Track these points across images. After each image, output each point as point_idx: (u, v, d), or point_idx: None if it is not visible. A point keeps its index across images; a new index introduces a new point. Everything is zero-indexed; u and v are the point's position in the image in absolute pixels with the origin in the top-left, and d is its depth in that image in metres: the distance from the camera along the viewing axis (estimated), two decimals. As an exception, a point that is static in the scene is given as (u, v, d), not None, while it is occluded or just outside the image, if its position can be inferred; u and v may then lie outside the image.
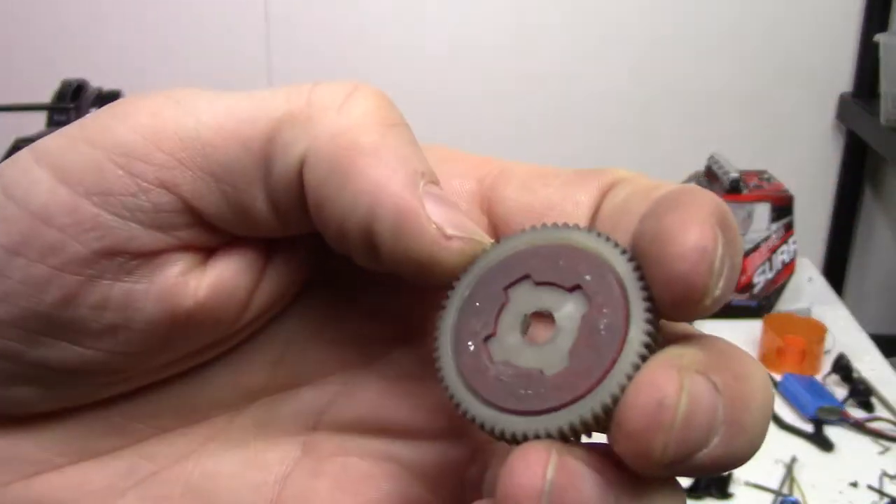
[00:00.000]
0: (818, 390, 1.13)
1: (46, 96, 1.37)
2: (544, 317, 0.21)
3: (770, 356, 1.23)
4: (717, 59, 1.97)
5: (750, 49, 1.96)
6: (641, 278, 0.20)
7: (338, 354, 0.26)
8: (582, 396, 0.19)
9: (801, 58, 1.95)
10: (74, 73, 1.41)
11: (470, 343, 0.21)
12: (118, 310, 0.22)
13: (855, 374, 1.17)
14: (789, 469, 1.00)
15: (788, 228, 1.34)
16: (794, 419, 1.11)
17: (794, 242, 1.35)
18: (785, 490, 0.96)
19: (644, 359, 0.19)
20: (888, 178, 2.04)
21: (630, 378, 0.19)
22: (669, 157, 1.96)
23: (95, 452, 0.24)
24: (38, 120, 1.34)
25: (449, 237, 0.21)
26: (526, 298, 0.21)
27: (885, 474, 1.00)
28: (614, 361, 0.19)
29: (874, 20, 1.88)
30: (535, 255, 0.21)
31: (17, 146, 1.20)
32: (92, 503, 0.24)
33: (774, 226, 1.34)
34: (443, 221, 0.22)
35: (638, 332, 0.19)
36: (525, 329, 0.21)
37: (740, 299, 1.36)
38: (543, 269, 0.21)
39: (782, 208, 1.34)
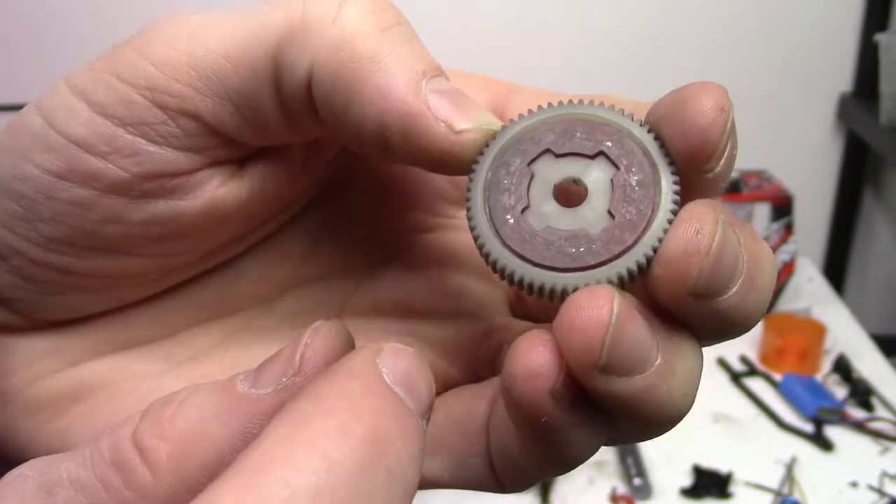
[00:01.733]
0: (818, 390, 1.13)
1: (46, 96, 1.37)
2: (573, 184, 0.22)
3: (770, 356, 1.23)
4: (716, 59, 1.97)
5: (750, 49, 1.96)
6: (657, 138, 0.22)
7: (362, 248, 0.28)
8: (632, 246, 0.21)
9: (801, 58, 1.95)
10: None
11: (509, 217, 0.21)
12: (165, 224, 0.24)
13: (855, 374, 1.17)
14: (789, 469, 1.00)
15: (788, 228, 1.34)
16: (794, 419, 1.11)
17: (794, 242, 1.35)
18: (785, 490, 0.96)
19: (679, 205, 0.21)
20: (888, 178, 2.04)
21: (671, 221, 0.21)
22: (669, 157, 1.96)
23: (137, 342, 0.27)
24: (39, 120, 1.34)
25: (458, 132, 0.23)
26: (551, 170, 0.22)
27: (885, 474, 1.00)
28: (653, 211, 0.21)
29: (874, 20, 1.88)
30: (550, 131, 0.22)
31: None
32: (134, 383, 0.26)
33: (774, 226, 1.34)
34: (450, 116, 0.23)
35: (668, 184, 0.21)
36: (557, 197, 0.22)
37: (740, 299, 1.36)
38: (562, 142, 0.22)
39: (782, 208, 1.34)
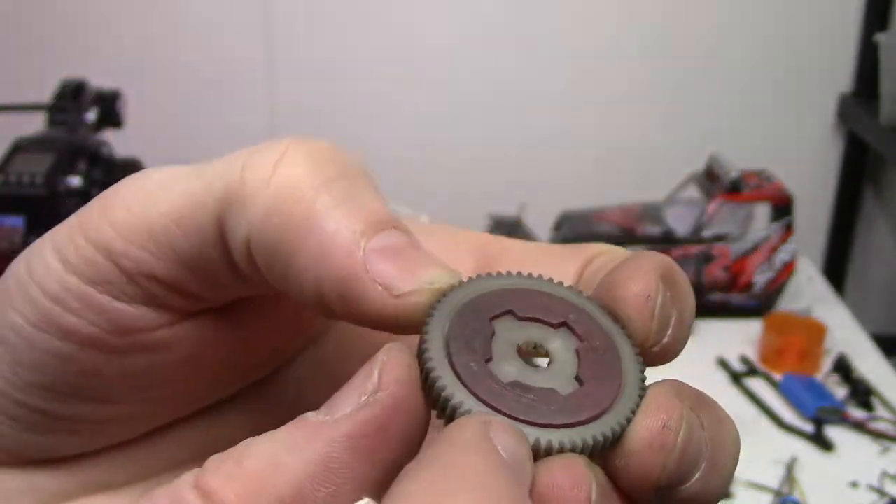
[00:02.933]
0: (818, 390, 1.13)
1: (46, 96, 1.37)
2: (534, 348, 0.22)
3: (770, 356, 1.23)
4: (717, 60, 1.97)
5: (750, 49, 1.96)
6: (617, 324, 0.22)
7: None
8: (606, 411, 0.21)
9: (801, 58, 1.95)
10: (74, 73, 1.41)
11: (473, 364, 0.21)
12: (145, 377, 0.24)
13: (855, 374, 1.17)
14: (789, 469, 1.00)
15: (788, 228, 1.34)
16: (794, 419, 1.11)
17: (794, 242, 1.35)
18: (785, 490, 0.96)
19: (644, 378, 0.22)
20: (888, 178, 2.04)
21: (641, 395, 0.21)
22: (670, 157, 1.96)
23: (112, 485, 0.26)
24: (38, 120, 1.34)
25: (398, 296, 0.21)
26: (512, 330, 0.22)
27: (885, 474, 1.00)
28: (621, 383, 0.21)
29: (874, 20, 1.88)
30: (513, 294, 0.22)
31: (18, 146, 1.20)
32: None
33: (774, 226, 1.34)
34: (391, 277, 0.22)
35: (631, 356, 0.22)
36: (524, 355, 0.22)
37: (740, 299, 1.36)
38: (525, 307, 0.22)
39: (782, 208, 1.34)
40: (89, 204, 0.25)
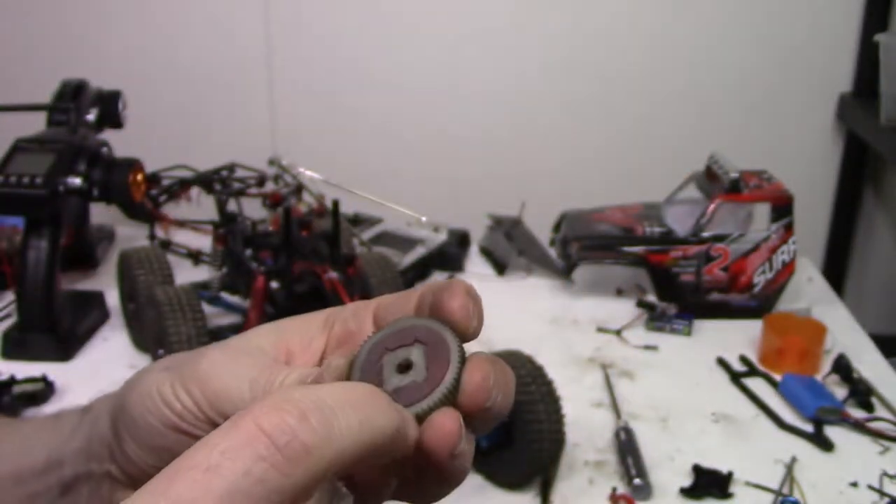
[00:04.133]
0: (818, 390, 1.13)
1: (46, 96, 1.37)
2: (404, 362, 0.36)
3: (770, 356, 1.23)
4: (717, 60, 1.97)
5: (750, 49, 1.96)
6: (444, 323, 0.37)
7: None
8: (442, 379, 0.35)
9: (801, 58, 1.95)
10: (74, 73, 1.41)
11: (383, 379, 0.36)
12: None
13: (855, 374, 1.17)
14: (789, 469, 1.00)
15: (788, 228, 1.34)
16: (794, 419, 1.11)
17: (794, 242, 1.35)
18: (785, 490, 0.96)
19: (464, 359, 0.37)
20: (888, 178, 2.04)
21: (460, 368, 0.36)
22: (670, 157, 1.96)
23: None
24: (39, 120, 1.34)
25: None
26: (390, 358, 0.36)
27: (885, 474, 1.00)
28: (450, 362, 0.36)
29: (874, 20, 1.88)
30: (384, 339, 0.37)
31: (18, 146, 1.20)
32: None
33: (774, 226, 1.34)
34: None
35: (456, 345, 0.36)
36: (399, 370, 0.36)
37: (740, 299, 1.36)
38: (391, 342, 0.37)
39: (782, 208, 1.34)
40: (198, 369, 0.37)
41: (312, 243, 1.15)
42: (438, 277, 1.50)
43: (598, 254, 1.40)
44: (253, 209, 1.36)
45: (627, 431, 1.04)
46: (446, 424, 0.34)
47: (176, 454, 0.30)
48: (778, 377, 1.19)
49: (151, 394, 0.36)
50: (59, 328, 1.22)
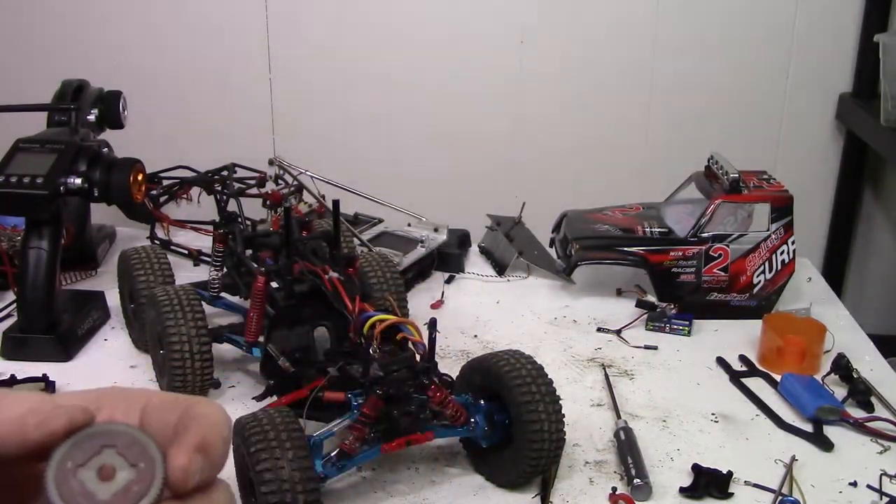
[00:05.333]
0: (818, 390, 1.13)
1: (46, 96, 1.37)
2: (110, 464, 0.34)
3: (770, 356, 1.23)
4: (717, 60, 1.97)
5: (750, 49, 1.96)
6: (144, 431, 0.36)
7: None
8: (152, 482, 0.34)
9: (801, 58, 1.95)
10: (75, 74, 1.41)
11: (75, 475, 0.34)
12: None
13: (854, 374, 1.17)
14: (789, 469, 1.00)
15: (788, 228, 1.34)
16: (794, 419, 1.11)
17: (794, 242, 1.35)
18: (785, 490, 0.97)
19: (166, 472, 0.35)
20: (888, 178, 2.04)
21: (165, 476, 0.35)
22: (670, 157, 1.96)
23: None
24: (39, 120, 1.34)
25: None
26: (102, 457, 0.34)
27: (884, 474, 1.00)
28: (145, 493, 0.34)
29: (874, 20, 1.88)
30: (79, 446, 0.35)
31: (18, 146, 1.20)
32: None
33: (774, 226, 1.34)
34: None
35: (157, 486, 0.34)
36: (96, 472, 0.34)
37: (740, 299, 1.36)
38: (88, 450, 0.35)
39: (782, 208, 1.34)
40: None
41: (312, 243, 1.15)
42: (438, 277, 1.50)
43: (598, 254, 1.40)
44: (253, 209, 1.36)
45: (627, 431, 1.04)
46: None
47: None
48: (778, 377, 1.19)
49: None
50: (59, 328, 1.22)
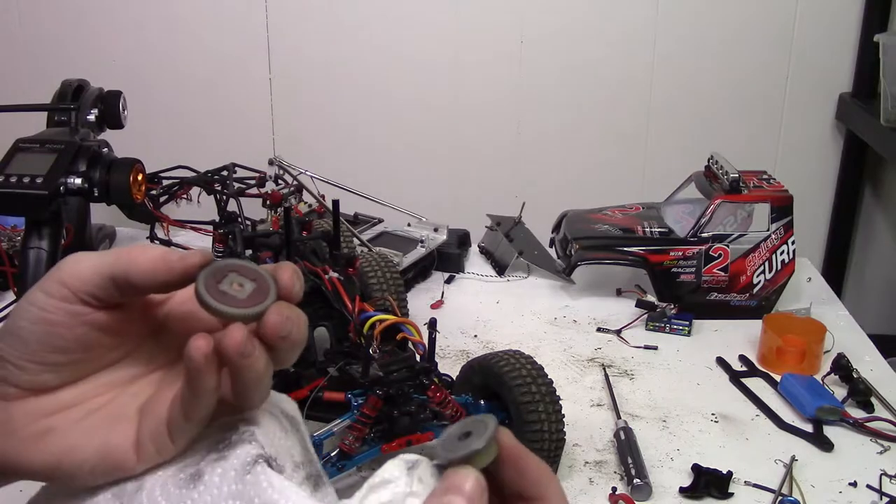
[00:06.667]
0: (818, 390, 1.13)
1: (46, 96, 1.37)
2: (239, 283, 0.45)
3: (770, 356, 1.23)
4: (717, 60, 1.97)
5: (750, 49, 1.96)
6: (274, 280, 0.46)
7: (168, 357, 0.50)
8: (261, 303, 0.44)
9: (801, 58, 1.95)
10: (75, 74, 1.41)
11: (213, 288, 0.44)
12: (89, 339, 0.47)
13: (854, 374, 1.17)
14: (789, 469, 1.00)
15: (788, 228, 1.34)
16: (793, 419, 1.11)
17: (794, 242, 1.35)
18: (785, 490, 0.97)
19: (277, 297, 0.45)
20: (888, 178, 2.04)
21: (274, 300, 0.45)
22: (670, 157, 1.96)
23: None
24: (39, 120, 1.34)
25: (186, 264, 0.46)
26: (233, 277, 0.45)
27: (884, 474, 1.00)
28: (268, 294, 0.45)
29: (874, 20, 1.88)
30: (236, 265, 0.46)
31: (18, 146, 1.20)
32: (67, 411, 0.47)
33: (774, 226, 1.34)
34: (179, 257, 0.47)
35: (273, 293, 0.45)
36: (233, 285, 0.45)
37: (740, 299, 1.36)
38: (238, 269, 0.45)
39: (782, 208, 1.34)
40: (55, 268, 0.45)
41: (312, 243, 1.15)
42: (438, 277, 1.50)
43: (598, 254, 1.40)
44: (253, 209, 1.36)
45: (627, 431, 1.04)
46: (236, 333, 0.42)
47: (43, 345, 0.44)
48: (778, 377, 1.19)
49: (23, 305, 0.45)
50: (59, 328, 1.22)
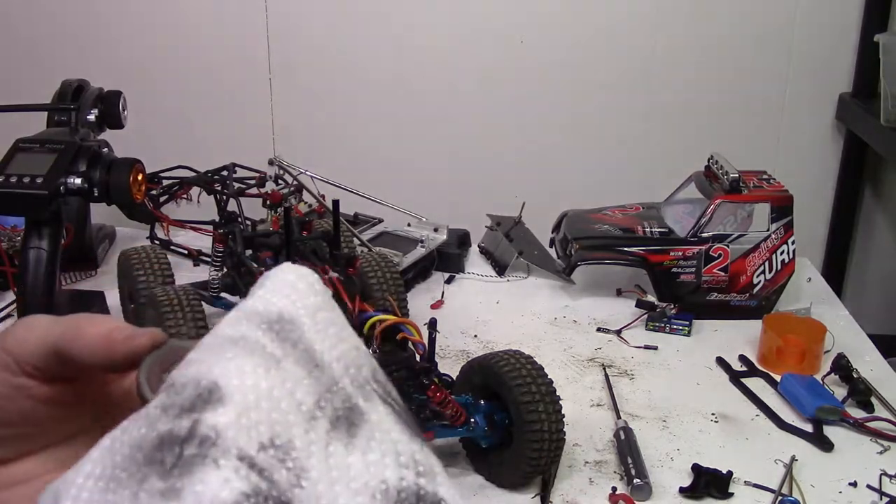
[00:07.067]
0: (818, 390, 1.13)
1: (46, 96, 1.37)
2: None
3: (770, 356, 1.23)
4: (717, 60, 1.97)
5: (750, 49, 1.96)
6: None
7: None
8: None
9: (801, 58, 1.95)
10: (75, 74, 1.41)
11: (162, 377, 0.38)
12: (31, 414, 0.43)
13: (854, 374, 1.17)
14: (789, 469, 1.00)
15: (788, 228, 1.34)
16: (793, 419, 1.11)
17: (794, 242, 1.35)
18: (785, 490, 0.97)
19: None
20: (888, 178, 2.04)
21: None
22: (670, 157, 1.96)
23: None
24: (39, 120, 1.34)
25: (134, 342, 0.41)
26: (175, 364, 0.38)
27: (884, 474, 1.00)
28: None
29: (874, 20, 1.88)
30: (181, 352, 0.38)
31: (18, 146, 1.20)
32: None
33: (774, 226, 1.34)
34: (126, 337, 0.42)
35: None
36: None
37: (740, 299, 1.36)
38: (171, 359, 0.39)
39: (782, 208, 1.34)
40: (4, 333, 0.42)
41: (312, 243, 1.15)
42: (438, 277, 1.50)
43: (598, 254, 1.40)
44: (253, 209, 1.36)
45: (627, 431, 1.04)
46: None
47: None
48: (778, 377, 1.19)
49: None
50: (59, 328, 1.22)
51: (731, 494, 0.96)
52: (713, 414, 1.12)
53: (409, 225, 1.56)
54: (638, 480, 0.96)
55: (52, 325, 0.42)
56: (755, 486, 0.97)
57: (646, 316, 1.34)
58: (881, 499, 0.96)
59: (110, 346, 0.40)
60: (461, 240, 1.56)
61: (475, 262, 1.56)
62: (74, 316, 0.43)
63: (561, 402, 0.95)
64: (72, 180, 1.16)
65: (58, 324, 0.42)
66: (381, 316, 0.98)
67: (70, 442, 0.44)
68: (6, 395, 0.41)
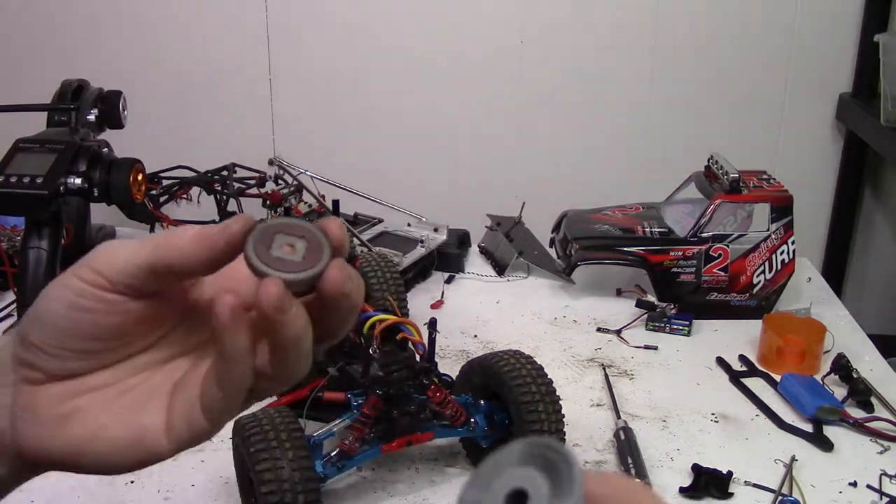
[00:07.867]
0: (818, 390, 1.13)
1: (46, 96, 1.37)
2: (290, 244, 0.43)
3: (770, 356, 1.23)
4: (717, 60, 1.97)
5: (750, 49, 1.96)
6: (322, 230, 0.43)
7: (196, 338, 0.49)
8: (314, 266, 0.42)
9: (801, 58, 1.95)
10: (75, 74, 1.41)
11: (263, 252, 0.42)
12: (124, 326, 0.46)
13: (855, 374, 1.17)
14: (789, 469, 1.00)
15: (788, 228, 1.34)
16: (793, 419, 1.11)
17: (794, 242, 1.35)
18: (785, 490, 0.97)
19: (332, 258, 0.43)
20: (888, 178, 2.04)
21: (329, 261, 0.42)
22: (670, 157, 1.96)
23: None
24: (39, 120, 1.34)
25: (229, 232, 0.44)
26: (280, 238, 0.43)
27: (884, 474, 1.00)
28: (322, 257, 0.42)
29: (874, 20, 1.88)
30: (281, 225, 0.43)
31: (18, 146, 1.20)
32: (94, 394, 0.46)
33: (774, 226, 1.34)
34: (221, 228, 0.44)
35: (329, 249, 0.43)
36: (281, 249, 0.42)
37: (740, 299, 1.36)
38: (285, 229, 0.43)
39: (782, 208, 1.34)
40: (90, 255, 0.44)
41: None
42: (438, 277, 1.50)
43: (598, 254, 1.40)
44: (253, 209, 1.36)
45: (627, 431, 1.04)
46: (271, 287, 0.41)
47: (75, 332, 0.43)
48: (778, 377, 1.19)
49: (55, 288, 0.44)
50: (59, 328, 1.22)
51: (731, 494, 0.96)
52: (713, 414, 1.12)
53: (409, 225, 1.56)
54: (638, 480, 0.96)
55: (139, 247, 0.44)
56: (755, 486, 0.97)
57: (646, 316, 1.34)
58: (881, 499, 0.96)
59: (207, 242, 0.42)
60: (461, 240, 1.56)
61: (475, 262, 1.56)
62: (157, 234, 0.46)
63: (561, 402, 0.95)
64: (72, 180, 1.16)
65: (144, 244, 0.44)
66: (381, 316, 0.98)
67: (150, 350, 0.47)
68: (100, 310, 0.43)
